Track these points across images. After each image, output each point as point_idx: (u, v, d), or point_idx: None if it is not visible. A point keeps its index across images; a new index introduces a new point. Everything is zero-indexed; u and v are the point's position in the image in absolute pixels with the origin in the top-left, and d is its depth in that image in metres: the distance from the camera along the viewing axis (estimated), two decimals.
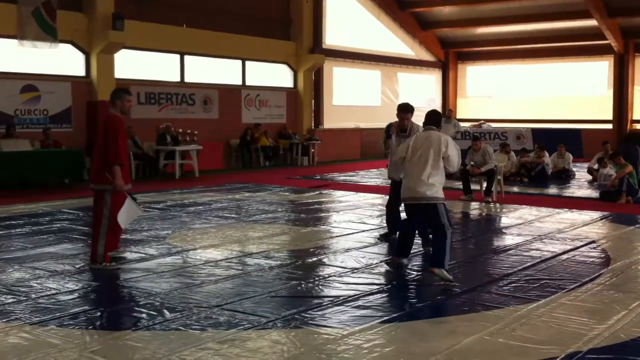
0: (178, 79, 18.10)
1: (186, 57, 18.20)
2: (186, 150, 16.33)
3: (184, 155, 16.30)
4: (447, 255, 6.40)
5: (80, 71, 16.05)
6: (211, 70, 19.00)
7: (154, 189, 13.58)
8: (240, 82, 19.78)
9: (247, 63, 19.88)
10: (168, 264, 6.99)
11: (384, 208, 11.41)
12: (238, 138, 18.97)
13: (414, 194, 6.50)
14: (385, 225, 8.91)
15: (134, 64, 17.09)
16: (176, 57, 18.03)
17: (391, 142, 8.13)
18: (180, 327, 4.95)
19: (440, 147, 6.49)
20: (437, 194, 6.48)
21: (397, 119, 8.30)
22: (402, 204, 7.00)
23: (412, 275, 6.56)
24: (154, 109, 17.10)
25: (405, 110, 8.18)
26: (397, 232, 7.58)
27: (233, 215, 10.37)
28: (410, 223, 6.99)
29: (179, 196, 12.56)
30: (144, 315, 5.23)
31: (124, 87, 8.21)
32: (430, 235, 7.06)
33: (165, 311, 5.32)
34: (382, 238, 8.49)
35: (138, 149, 15.85)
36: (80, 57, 16.02)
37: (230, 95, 19.21)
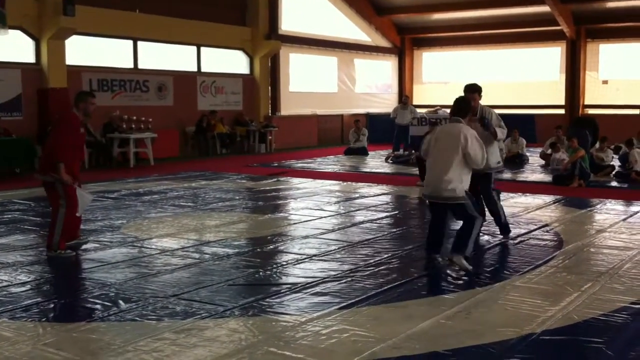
0: (131, 66, 17.79)
1: (139, 43, 17.88)
2: (140, 138, 16.09)
3: (138, 143, 16.06)
4: (471, 243, 6.25)
5: (30, 58, 15.64)
6: (165, 56, 18.72)
7: (107, 177, 13.36)
8: (195, 69, 19.54)
9: (203, 49, 19.64)
10: (123, 254, 6.89)
11: (342, 194, 11.48)
12: (194, 125, 18.76)
13: (434, 192, 6.25)
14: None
15: (86, 50, 16.73)
16: (129, 43, 17.70)
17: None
18: (136, 318, 4.89)
19: (460, 143, 6.08)
20: (457, 193, 6.14)
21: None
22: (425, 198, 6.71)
23: (370, 261, 6.58)
24: (107, 96, 16.77)
25: (471, 90, 7.48)
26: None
27: (189, 204, 10.27)
28: (434, 222, 6.58)
29: (133, 185, 12.38)
30: (98, 307, 5.14)
31: (88, 90, 8.17)
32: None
33: (121, 302, 5.24)
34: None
35: (91, 137, 15.54)
36: (30, 43, 15.60)
37: (185, 81, 18.96)
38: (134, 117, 16.53)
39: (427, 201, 6.58)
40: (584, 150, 13.00)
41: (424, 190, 6.52)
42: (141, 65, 17.97)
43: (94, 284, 5.80)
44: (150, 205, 10.09)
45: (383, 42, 26.47)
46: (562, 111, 23.99)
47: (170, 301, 5.26)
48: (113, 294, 5.45)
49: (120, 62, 17.56)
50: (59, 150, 6.68)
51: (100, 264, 6.46)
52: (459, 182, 6.16)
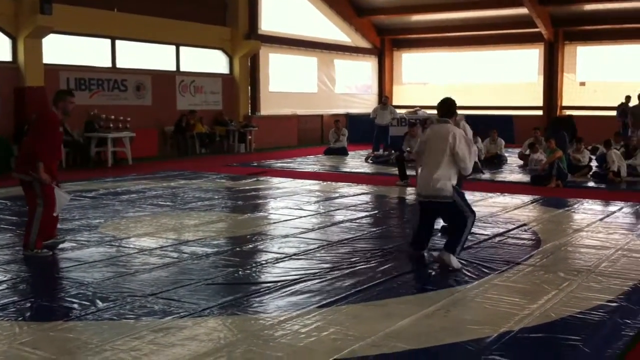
0: (109, 65, 17.64)
1: (117, 42, 17.73)
2: (118, 138, 15.97)
3: (116, 143, 15.93)
4: (462, 242, 6.32)
5: (6, 56, 15.44)
6: (144, 55, 18.58)
7: (85, 177, 13.23)
8: (174, 68, 19.42)
9: (182, 48, 19.53)
10: (100, 253, 6.83)
11: (322, 194, 11.49)
12: (173, 125, 18.65)
13: (424, 191, 6.35)
14: None
15: (64, 49, 16.55)
16: (107, 42, 17.55)
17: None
18: (114, 317, 4.85)
19: (448, 143, 6.20)
20: (446, 192, 6.22)
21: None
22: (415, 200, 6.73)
23: (350, 260, 6.59)
24: (85, 95, 16.59)
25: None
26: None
27: (168, 203, 10.20)
28: (424, 219, 6.64)
29: (111, 184, 12.28)
30: (75, 306, 5.10)
31: (67, 89, 8.09)
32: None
33: (98, 301, 5.20)
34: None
35: (68, 137, 15.39)
36: (6, 41, 15.41)
37: (164, 81, 18.84)
38: (112, 117, 16.39)
39: (418, 201, 6.59)
40: (562, 151, 13.12)
41: (416, 190, 6.58)
42: (119, 64, 17.83)
43: (71, 283, 5.74)
44: (129, 204, 10.02)
45: (363, 43, 26.52)
46: (540, 112, 24.18)
47: (148, 300, 5.22)
48: (90, 293, 5.40)
49: (98, 61, 17.40)
50: (38, 149, 6.61)
51: (77, 263, 6.40)
52: (447, 180, 6.25)
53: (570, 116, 16.85)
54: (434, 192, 6.26)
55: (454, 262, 6.21)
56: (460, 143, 6.24)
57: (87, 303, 5.15)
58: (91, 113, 16.03)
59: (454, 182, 6.34)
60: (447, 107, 6.52)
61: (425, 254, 6.68)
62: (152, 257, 6.66)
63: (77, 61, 16.86)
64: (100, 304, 5.12)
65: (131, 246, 7.18)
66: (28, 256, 6.65)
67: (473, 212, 6.47)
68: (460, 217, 6.29)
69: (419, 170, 6.54)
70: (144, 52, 18.57)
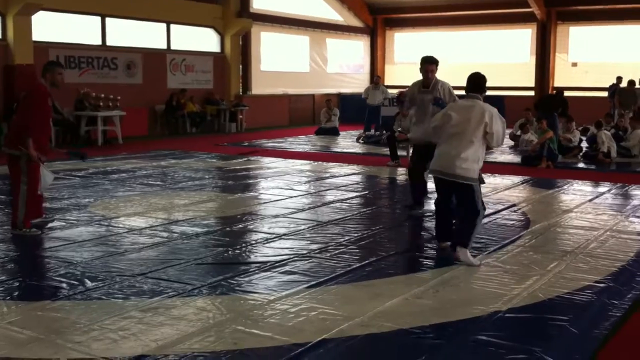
0: (99, 42, 17.48)
1: (108, 20, 17.56)
2: (109, 116, 15.87)
3: (106, 122, 15.84)
4: (474, 235, 5.84)
5: None
6: (134, 33, 18.42)
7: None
8: (165, 46, 19.27)
9: (172, 26, 19.37)
10: (90, 233, 6.81)
11: (312, 174, 11.48)
12: (163, 104, 18.54)
13: (445, 169, 5.81)
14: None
15: (53, 27, 16.39)
16: (97, 20, 17.38)
17: (406, 105, 7.82)
18: (102, 297, 4.84)
19: (484, 121, 5.72)
20: (471, 174, 5.76)
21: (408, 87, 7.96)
22: (430, 174, 6.17)
23: (340, 240, 6.59)
24: (74, 73, 16.47)
25: (429, 61, 7.64)
26: (420, 204, 7.65)
27: (158, 183, 10.17)
28: (441, 201, 6.20)
29: (101, 163, 12.22)
30: (64, 285, 5.08)
31: (55, 60, 8.00)
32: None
33: (87, 280, 5.19)
34: (408, 209, 8.00)
35: (58, 115, 15.27)
36: None
37: (154, 59, 18.70)
38: (102, 95, 16.26)
39: (434, 177, 6.08)
40: (553, 131, 13.13)
41: (432, 164, 6.02)
42: (110, 42, 17.67)
43: (59, 262, 5.72)
44: (118, 183, 9.98)
45: (355, 22, 26.36)
46: (532, 93, 24.16)
47: (137, 280, 5.21)
48: (79, 273, 5.39)
49: (88, 39, 17.25)
50: (27, 124, 6.56)
51: (66, 243, 6.37)
52: (475, 162, 5.80)
53: (561, 92, 16.77)
54: (459, 171, 5.74)
55: (471, 258, 5.73)
56: (496, 123, 5.79)
57: (76, 282, 5.14)
58: (81, 91, 15.90)
59: (481, 165, 5.92)
60: (478, 81, 6.00)
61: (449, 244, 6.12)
62: (141, 237, 6.64)
63: (67, 39, 16.71)
64: (89, 284, 5.11)
65: (120, 225, 7.16)
66: (17, 235, 6.63)
67: (484, 207, 6.14)
68: (472, 205, 5.80)
69: (438, 145, 5.99)
70: (134, 30, 18.40)
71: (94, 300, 4.76)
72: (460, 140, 5.79)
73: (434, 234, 6.56)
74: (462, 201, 5.92)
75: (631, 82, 18.70)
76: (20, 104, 6.94)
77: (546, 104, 14.95)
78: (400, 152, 12.75)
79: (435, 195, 6.45)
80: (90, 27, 17.30)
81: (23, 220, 6.66)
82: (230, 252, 6.11)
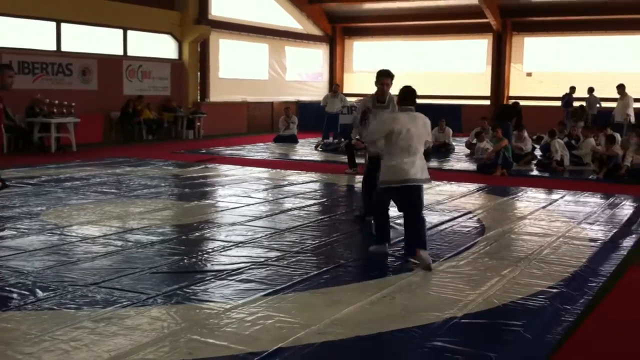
0: (54, 48, 17.18)
1: (63, 25, 17.27)
2: (62, 123, 15.59)
3: (60, 128, 15.55)
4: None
5: None
6: (90, 39, 18.15)
7: (27, 163, 12.87)
8: (121, 52, 19.03)
9: (129, 32, 19.13)
10: (41, 242, 6.65)
11: (271, 182, 11.44)
12: (119, 110, 18.30)
13: (406, 176, 6.03)
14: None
15: (6, 32, 16.04)
16: (52, 25, 17.08)
17: (370, 117, 7.54)
18: (54, 307, 4.73)
19: (428, 130, 6.28)
20: (426, 175, 6.21)
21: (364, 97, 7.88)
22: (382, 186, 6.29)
23: (297, 248, 6.57)
24: (28, 79, 16.14)
25: (385, 75, 7.56)
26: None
27: (113, 191, 10.01)
28: (386, 206, 6.47)
29: (54, 171, 11.98)
30: (14, 295, 4.95)
31: (6, 63, 7.80)
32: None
33: (38, 290, 5.06)
34: (358, 219, 7.97)
35: (10, 121, 14.94)
36: None
37: (110, 65, 18.44)
38: (56, 101, 15.96)
39: (387, 187, 6.21)
40: (508, 140, 13.34)
41: (390, 176, 6.11)
42: (64, 47, 17.37)
43: (10, 272, 5.57)
44: (72, 191, 9.79)
45: (314, 30, 26.45)
46: (487, 102, 24.54)
47: (90, 289, 5.11)
48: (30, 283, 5.26)
49: (43, 44, 16.94)
50: None
51: (17, 252, 6.21)
52: (425, 165, 6.28)
53: (516, 103, 17.12)
54: (421, 176, 6.12)
55: (429, 257, 5.98)
56: (431, 134, 6.41)
57: (27, 292, 5.01)
58: (34, 97, 15.59)
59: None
60: (412, 94, 6.26)
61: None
62: (95, 246, 6.52)
63: (21, 44, 16.37)
64: (40, 294, 4.99)
65: (73, 234, 7.01)
66: None
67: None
68: (419, 207, 6.17)
69: (393, 159, 6.10)
70: (90, 35, 18.13)
71: (45, 311, 4.65)
72: (416, 148, 6.12)
73: (381, 236, 6.55)
74: (415, 202, 6.16)
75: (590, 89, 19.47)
76: None
77: (502, 113, 15.22)
78: (359, 160, 12.77)
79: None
80: (45, 33, 16.99)
81: None
82: (186, 261, 6.04)
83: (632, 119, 16.74)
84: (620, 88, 16.70)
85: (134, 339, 4.15)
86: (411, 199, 6.13)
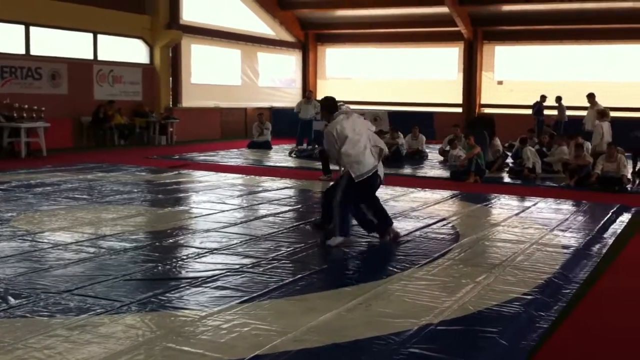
0: (23, 52, 16.95)
1: (32, 29, 17.06)
2: (32, 128, 15.37)
3: (29, 133, 15.33)
4: None
5: None
6: (60, 43, 17.94)
7: None
8: (91, 57, 18.84)
9: (99, 36, 18.96)
10: (12, 248, 6.55)
11: (245, 188, 11.39)
12: (90, 115, 18.09)
13: (374, 167, 7.07)
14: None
15: None
16: (21, 28, 16.86)
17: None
18: (27, 314, 4.65)
19: (367, 125, 7.35)
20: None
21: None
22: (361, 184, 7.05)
23: (272, 255, 6.54)
24: None
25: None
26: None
27: (85, 197, 9.89)
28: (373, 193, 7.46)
29: (25, 176, 11.79)
30: None
31: None
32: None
33: (10, 298, 4.98)
34: (317, 227, 7.93)
35: None
36: None
37: (80, 70, 18.23)
38: (26, 106, 15.74)
39: (367, 179, 7.00)
40: (481, 148, 13.45)
41: (364, 169, 6.95)
42: (33, 51, 17.16)
43: None
44: (43, 197, 9.65)
45: (287, 37, 26.46)
46: (459, 110, 24.75)
47: (63, 297, 5.03)
48: (2, 290, 5.16)
49: (11, 48, 16.70)
50: None
51: None
52: None
53: (492, 115, 17.28)
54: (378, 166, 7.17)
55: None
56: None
57: None
58: (3, 102, 15.35)
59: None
60: (335, 103, 7.38)
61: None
62: (67, 252, 6.43)
63: None
64: (12, 301, 4.90)
65: (45, 241, 6.91)
66: None
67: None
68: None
69: (356, 154, 6.93)
70: (59, 39, 17.93)
71: (18, 318, 4.57)
72: (365, 144, 7.07)
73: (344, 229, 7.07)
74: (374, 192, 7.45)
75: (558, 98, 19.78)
76: None
77: (478, 122, 15.36)
78: (333, 167, 12.78)
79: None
80: (14, 36, 16.77)
81: None
82: (160, 268, 5.98)
83: None
84: (591, 97, 16.93)
85: (109, 347, 4.09)
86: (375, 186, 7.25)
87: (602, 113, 14.34)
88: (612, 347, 4.60)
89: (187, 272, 5.94)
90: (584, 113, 17.59)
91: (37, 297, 5.00)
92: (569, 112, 20.30)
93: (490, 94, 24.90)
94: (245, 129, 23.37)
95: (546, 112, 20.66)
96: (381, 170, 7.34)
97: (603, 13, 21.90)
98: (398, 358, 4.12)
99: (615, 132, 13.92)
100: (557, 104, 20.41)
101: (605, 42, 23.09)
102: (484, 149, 13.90)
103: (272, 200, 9.96)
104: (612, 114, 15.36)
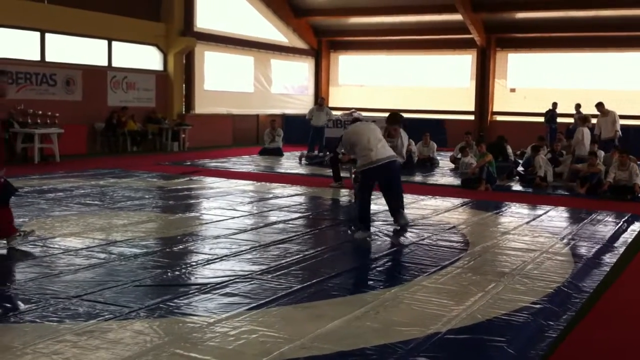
0: (38, 58, 17.12)
1: (47, 35, 17.24)
2: (46, 134, 15.50)
3: (43, 139, 15.46)
4: None
5: None
6: (74, 49, 18.11)
7: (9, 174, 12.62)
8: (106, 63, 18.99)
9: (114, 43, 19.12)
10: (23, 253, 6.59)
11: (255, 194, 11.43)
12: (103, 121, 18.23)
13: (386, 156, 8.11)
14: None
15: None
16: (36, 35, 17.03)
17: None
18: (36, 319, 4.68)
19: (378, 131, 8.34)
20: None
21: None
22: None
23: (282, 262, 6.56)
24: (12, 89, 16.02)
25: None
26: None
27: (96, 202, 9.95)
28: (370, 189, 8.30)
29: (37, 182, 11.89)
30: None
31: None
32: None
33: (20, 303, 5.02)
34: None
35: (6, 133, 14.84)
36: None
37: (95, 76, 18.40)
38: (40, 112, 15.88)
39: (379, 166, 7.91)
40: (503, 158, 13.37)
41: (376, 159, 7.91)
42: (49, 58, 17.32)
43: None
44: (55, 203, 9.72)
45: (300, 44, 26.54)
46: (472, 117, 24.71)
47: (72, 302, 5.06)
48: (12, 295, 5.21)
49: (27, 54, 16.87)
50: None
51: None
52: None
53: (500, 139, 16.85)
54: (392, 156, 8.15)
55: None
56: None
57: (9, 305, 4.96)
58: (18, 108, 15.50)
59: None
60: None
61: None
62: (77, 258, 6.47)
63: (4, 54, 16.29)
64: (22, 306, 4.94)
65: (56, 246, 6.96)
66: None
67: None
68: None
69: (369, 152, 7.91)
70: (74, 46, 18.09)
71: (27, 323, 4.60)
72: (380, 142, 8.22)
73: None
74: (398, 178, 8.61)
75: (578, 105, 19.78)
76: None
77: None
78: (344, 174, 12.80)
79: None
80: (29, 43, 16.93)
81: None
82: (169, 274, 6.01)
83: (620, 134, 16.69)
84: (600, 106, 16.76)
85: (117, 353, 4.11)
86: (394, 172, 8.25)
87: (584, 119, 14.82)
88: (622, 358, 4.57)
89: (196, 278, 5.95)
90: (594, 121, 17.49)
91: (47, 303, 5.04)
92: None
93: (503, 102, 24.86)
94: (257, 135, 23.43)
95: (559, 119, 20.56)
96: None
97: (618, 21, 21.80)
98: None
99: (630, 141, 13.85)
100: (575, 112, 20.24)
101: (619, 50, 22.98)
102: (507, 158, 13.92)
103: (283, 207, 9.97)
104: (627, 122, 15.33)
